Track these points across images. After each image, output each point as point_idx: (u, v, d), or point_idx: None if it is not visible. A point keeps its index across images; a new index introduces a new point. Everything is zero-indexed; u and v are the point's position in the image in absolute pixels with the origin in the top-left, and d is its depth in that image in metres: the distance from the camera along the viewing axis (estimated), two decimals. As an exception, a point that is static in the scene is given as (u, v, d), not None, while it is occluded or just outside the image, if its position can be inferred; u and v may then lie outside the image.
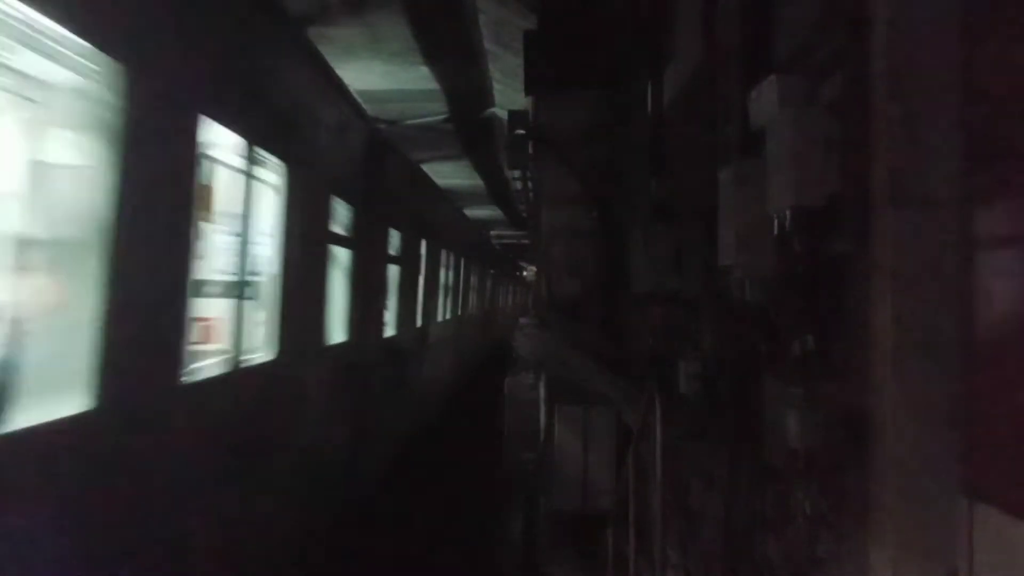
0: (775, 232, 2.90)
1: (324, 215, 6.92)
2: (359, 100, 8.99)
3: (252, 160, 5.04)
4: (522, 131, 9.12)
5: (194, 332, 4.41)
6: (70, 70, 2.83)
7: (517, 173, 12.86)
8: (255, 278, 5.50)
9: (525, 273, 39.16)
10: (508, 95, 10.63)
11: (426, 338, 12.83)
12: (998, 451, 2.05)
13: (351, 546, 7.17)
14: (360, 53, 8.33)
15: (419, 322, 12.26)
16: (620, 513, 4.70)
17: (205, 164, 4.23)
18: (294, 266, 5.85)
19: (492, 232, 27.59)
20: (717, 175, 3.57)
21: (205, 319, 4.82)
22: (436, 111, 11.02)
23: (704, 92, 4.44)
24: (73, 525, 3.13)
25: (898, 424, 2.26)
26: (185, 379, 4.20)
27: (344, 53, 7.76)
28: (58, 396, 3.02)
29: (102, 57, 2.86)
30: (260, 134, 5.09)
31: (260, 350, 5.50)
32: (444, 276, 15.44)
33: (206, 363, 4.70)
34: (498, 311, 33.57)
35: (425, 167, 12.65)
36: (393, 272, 10.36)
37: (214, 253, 4.94)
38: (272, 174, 5.58)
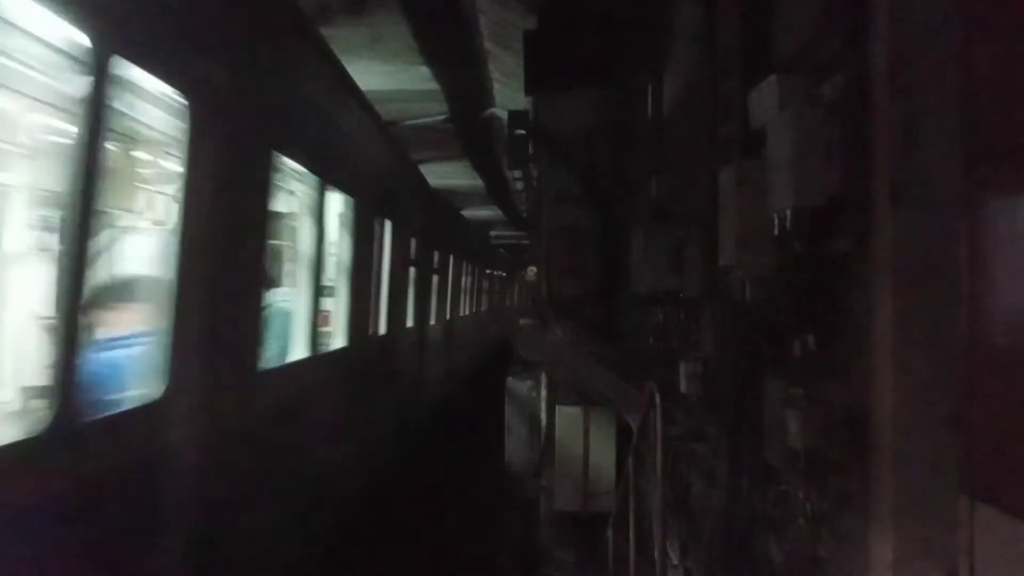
0: (775, 232, 2.90)
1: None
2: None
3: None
4: (522, 131, 9.13)
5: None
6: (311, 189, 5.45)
7: (517, 173, 12.86)
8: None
9: (528, 277, 38.97)
10: (508, 95, 10.63)
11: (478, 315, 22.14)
12: (999, 451, 2.05)
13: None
14: (360, 53, 8.33)
15: (477, 308, 22.12)
16: (620, 513, 4.70)
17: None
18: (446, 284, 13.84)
19: (492, 232, 27.60)
20: (717, 175, 3.57)
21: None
22: (436, 111, 11.02)
23: (704, 92, 4.44)
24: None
25: (899, 424, 2.27)
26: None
27: (344, 53, 7.75)
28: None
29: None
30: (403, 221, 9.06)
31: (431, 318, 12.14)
32: (482, 286, 23.94)
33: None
34: (507, 306, 36.36)
35: (425, 167, 12.64)
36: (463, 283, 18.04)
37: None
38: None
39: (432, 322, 12.65)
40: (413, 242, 10.16)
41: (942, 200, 2.26)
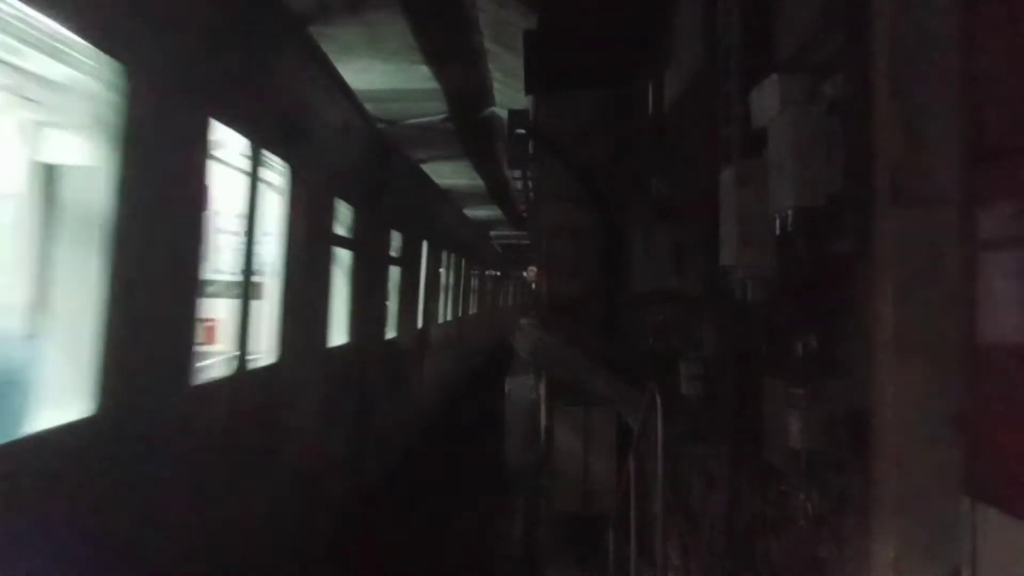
0: (776, 232, 2.89)
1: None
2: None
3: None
4: (522, 131, 9.13)
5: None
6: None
7: (517, 173, 12.87)
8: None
9: (525, 273, 38.81)
10: (508, 95, 10.62)
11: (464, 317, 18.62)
12: (1000, 451, 2.04)
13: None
14: (360, 52, 8.33)
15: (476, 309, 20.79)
16: (620, 513, 4.69)
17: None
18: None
19: (492, 232, 27.59)
20: (717, 175, 3.57)
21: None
22: (436, 110, 11.01)
23: (705, 92, 4.44)
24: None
25: (900, 424, 2.26)
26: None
27: (344, 52, 7.76)
28: None
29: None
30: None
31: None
32: (471, 285, 19.79)
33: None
34: (500, 307, 33.54)
35: (425, 167, 12.64)
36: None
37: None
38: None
39: (393, 334, 8.88)
40: (349, 212, 6.56)
41: (942, 200, 2.26)
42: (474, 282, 20.32)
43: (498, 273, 28.92)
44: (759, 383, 3.36)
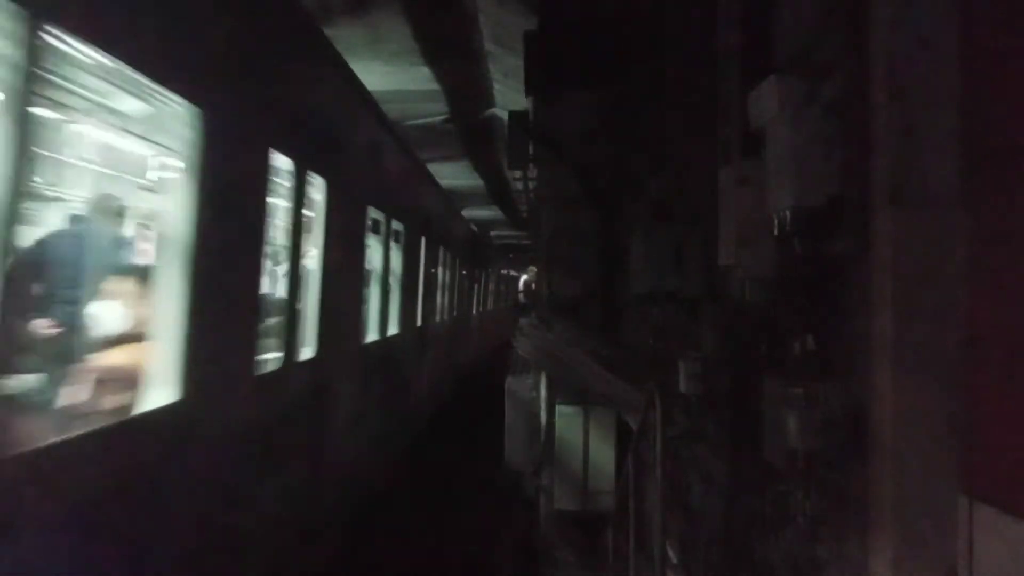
0: (775, 232, 2.90)
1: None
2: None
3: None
4: (523, 131, 9.13)
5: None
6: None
7: (517, 173, 12.88)
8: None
9: (525, 276, 38.70)
10: (508, 95, 10.64)
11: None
12: (998, 451, 2.05)
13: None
14: (361, 53, 8.34)
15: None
16: (620, 513, 4.70)
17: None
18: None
19: (492, 232, 27.62)
20: (717, 175, 3.58)
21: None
22: (437, 111, 11.03)
23: (704, 92, 4.44)
24: None
25: (898, 424, 2.27)
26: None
27: (345, 53, 7.77)
28: None
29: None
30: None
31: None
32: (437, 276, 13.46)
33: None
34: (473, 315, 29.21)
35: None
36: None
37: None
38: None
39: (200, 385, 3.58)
40: None
41: (942, 200, 2.27)
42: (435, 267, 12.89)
43: (465, 272, 19.30)
44: (758, 383, 3.36)
